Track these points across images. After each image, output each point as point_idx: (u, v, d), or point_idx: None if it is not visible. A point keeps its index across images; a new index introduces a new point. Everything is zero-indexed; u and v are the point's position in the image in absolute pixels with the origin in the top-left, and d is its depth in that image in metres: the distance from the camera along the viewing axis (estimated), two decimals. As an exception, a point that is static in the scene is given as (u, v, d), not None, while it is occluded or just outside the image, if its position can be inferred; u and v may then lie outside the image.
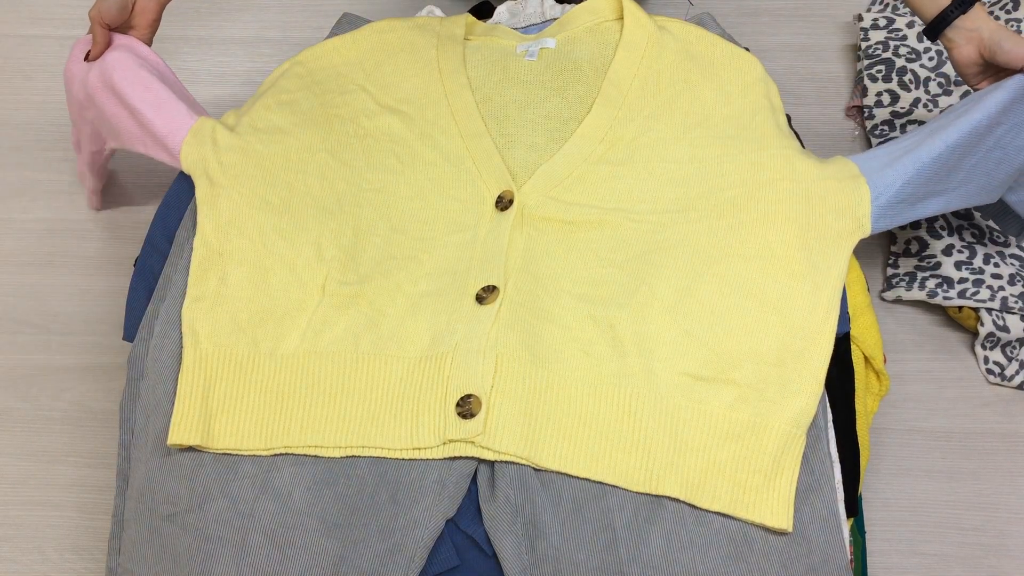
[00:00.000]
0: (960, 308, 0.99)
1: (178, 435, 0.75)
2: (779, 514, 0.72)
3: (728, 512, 0.72)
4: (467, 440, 0.73)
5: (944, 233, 1.01)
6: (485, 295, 0.79)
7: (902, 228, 1.02)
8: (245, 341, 0.79)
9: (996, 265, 1.00)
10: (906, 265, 1.03)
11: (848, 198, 0.82)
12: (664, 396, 0.75)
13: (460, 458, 0.74)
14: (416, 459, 0.74)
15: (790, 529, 0.71)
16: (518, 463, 0.73)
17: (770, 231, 0.81)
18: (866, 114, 1.11)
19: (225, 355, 0.78)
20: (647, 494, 0.73)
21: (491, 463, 0.74)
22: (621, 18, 0.97)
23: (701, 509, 0.72)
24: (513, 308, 0.79)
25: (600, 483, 0.73)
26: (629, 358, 0.76)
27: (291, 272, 0.82)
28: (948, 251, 1.00)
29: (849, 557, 0.75)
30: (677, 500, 0.72)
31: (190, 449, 0.75)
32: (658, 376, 0.76)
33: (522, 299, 0.79)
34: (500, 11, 1.02)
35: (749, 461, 0.73)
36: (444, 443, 0.73)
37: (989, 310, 0.98)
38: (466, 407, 0.74)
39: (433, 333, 0.78)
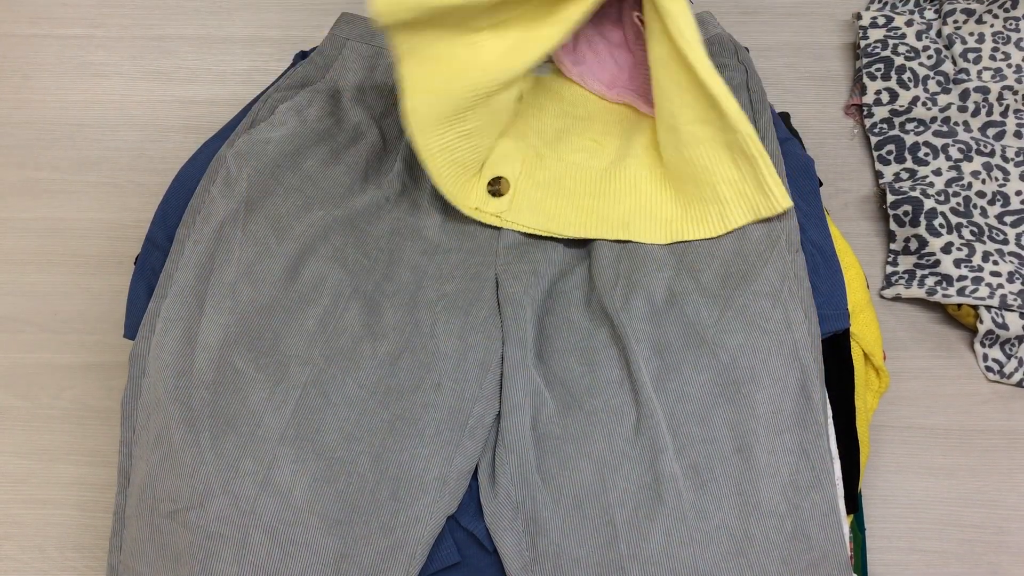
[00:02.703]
0: (959, 306, 0.99)
1: None
2: (782, 196, 0.81)
3: (747, 219, 0.81)
4: (495, 214, 0.84)
5: (943, 231, 1.01)
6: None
7: (901, 226, 1.02)
8: None
9: (995, 263, 1.00)
10: (905, 263, 1.03)
11: None
12: (666, 170, 0.84)
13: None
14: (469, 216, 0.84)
15: (789, 203, 0.81)
16: (520, 462, 0.74)
17: None
18: (865, 112, 1.11)
19: None
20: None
21: (492, 462, 0.75)
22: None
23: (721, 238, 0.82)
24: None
25: (601, 473, 0.73)
26: (636, 143, 0.87)
27: None
28: (947, 249, 1.00)
29: (849, 553, 0.76)
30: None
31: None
32: (658, 160, 0.85)
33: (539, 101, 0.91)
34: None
35: (745, 177, 0.82)
36: (474, 209, 0.84)
37: (988, 307, 0.98)
38: (496, 187, 0.84)
39: None
